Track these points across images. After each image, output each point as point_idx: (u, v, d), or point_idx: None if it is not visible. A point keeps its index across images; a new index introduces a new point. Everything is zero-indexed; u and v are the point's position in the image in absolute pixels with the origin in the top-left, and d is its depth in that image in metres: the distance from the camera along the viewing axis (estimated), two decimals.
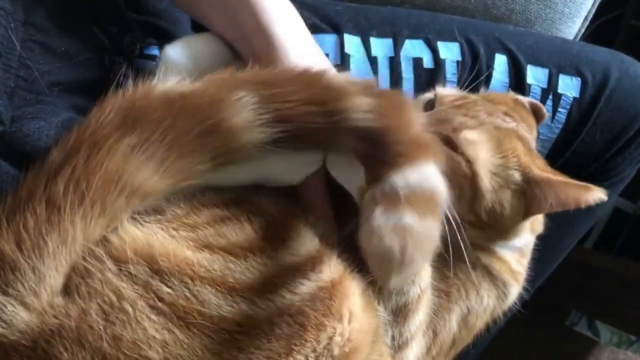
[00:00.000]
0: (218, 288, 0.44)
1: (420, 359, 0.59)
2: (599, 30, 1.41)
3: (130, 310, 0.42)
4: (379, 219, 0.43)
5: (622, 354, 1.51)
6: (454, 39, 0.80)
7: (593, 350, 1.47)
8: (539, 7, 1.02)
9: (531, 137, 0.67)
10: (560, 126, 0.81)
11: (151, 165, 0.46)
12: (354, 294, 0.49)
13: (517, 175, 0.60)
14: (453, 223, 0.53)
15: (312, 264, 0.48)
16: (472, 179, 0.59)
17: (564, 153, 0.82)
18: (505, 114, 0.65)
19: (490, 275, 0.63)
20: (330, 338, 0.45)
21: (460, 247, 0.57)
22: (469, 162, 0.59)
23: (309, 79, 0.49)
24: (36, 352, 0.41)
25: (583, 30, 1.09)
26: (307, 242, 0.50)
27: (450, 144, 0.60)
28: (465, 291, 0.61)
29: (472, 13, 1.01)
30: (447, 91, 0.69)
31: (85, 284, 0.44)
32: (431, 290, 0.59)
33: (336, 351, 0.45)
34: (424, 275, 0.56)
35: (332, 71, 0.54)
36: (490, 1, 1.01)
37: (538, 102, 0.75)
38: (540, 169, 0.61)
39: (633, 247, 1.65)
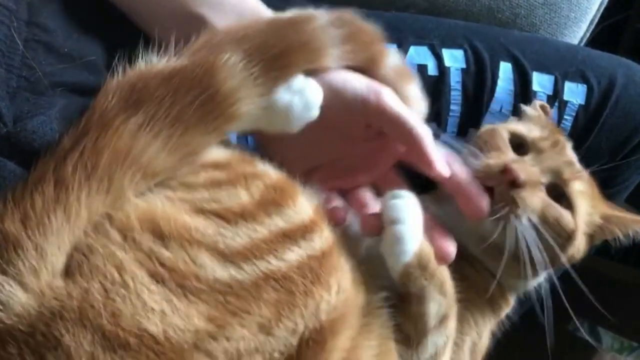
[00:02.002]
0: (211, 253, 0.46)
1: None
2: (604, 33, 1.40)
3: (130, 283, 0.43)
4: None
5: None
6: (458, 46, 0.79)
7: (594, 356, 1.47)
8: (544, 11, 1.01)
9: None
10: (566, 133, 0.80)
11: (158, 141, 0.48)
12: (343, 269, 0.51)
13: (597, 220, 0.63)
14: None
15: (304, 232, 0.50)
16: (573, 230, 0.60)
17: None
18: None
19: (494, 304, 0.64)
20: (318, 305, 0.47)
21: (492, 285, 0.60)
22: (574, 214, 0.60)
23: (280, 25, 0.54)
24: (34, 337, 0.41)
25: (588, 34, 1.08)
26: (302, 210, 0.51)
27: (554, 192, 0.61)
28: (474, 321, 0.63)
29: (476, 17, 1.00)
30: (527, 128, 0.67)
31: (87, 262, 0.44)
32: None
33: (323, 317, 0.46)
34: (450, 326, 0.57)
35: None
36: (495, 5, 1.00)
37: (545, 104, 0.75)
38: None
39: (635, 253, 1.64)
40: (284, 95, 0.55)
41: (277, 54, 0.52)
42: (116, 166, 0.46)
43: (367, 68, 0.60)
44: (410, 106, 0.61)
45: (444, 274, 0.56)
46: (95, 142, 0.46)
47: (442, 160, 0.59)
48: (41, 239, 0.44)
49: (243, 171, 0.52)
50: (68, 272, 0.44)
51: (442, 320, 0.56)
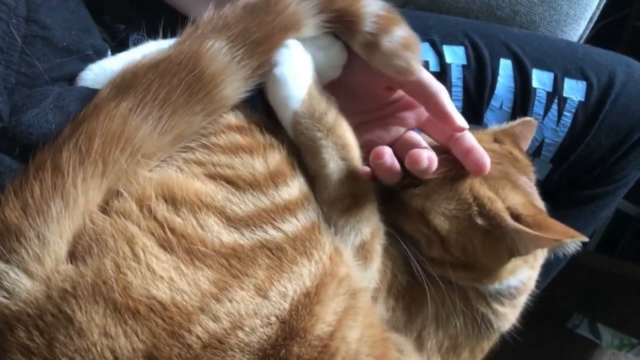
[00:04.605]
0: (219, 217, 0.49)
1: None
2: (603, 31, 1.40)
3: (141, 254, 0.45)
4: None
5: (624, 357, 1.51)
6: (459, 42, 0.79)
7: (594, 353, 1.47)
8: (544, 8, 1.01)
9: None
10: (566, 130, 0.80)
11: (149, 123, 0.50)
12: (327, 243, 0.53)
13: (479, 220, 0.59)
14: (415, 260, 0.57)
15: (304, 204, 0.52)
16: (428, 226, 0.59)
17: (569, 157, 0.81)
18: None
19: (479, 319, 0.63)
20: (301, 272, 0.49)
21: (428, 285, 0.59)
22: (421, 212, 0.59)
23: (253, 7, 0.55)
24: (44, 319, 0.42)
25: (588, 31, 1.08)
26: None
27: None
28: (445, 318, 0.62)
29: (476, 14, 1.01)
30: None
31: (97, 243, 0.45)
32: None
33: (308, 283, 0.49)
34: (368, 218, 0.57)
35: None
36: (495, 2, 1.00)
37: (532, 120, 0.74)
38: (522, 209, 0.58)
39: (635, 250, 1.65)
40: (310, 50, 0.57)
41: (258, 39, 0.54)
42: (110, 149, 0.48)
43: (348, 30, 0.60)
44: (405, 47, 0.61)
45: (348, 137, 0.56)
46: (88, 129, 0.48)
47: (459, 114, 0.60)
48: (42, 227, 0.44)
49: (265, 140, 0.54)
50: (75, 257, 0.45)
51: (354, 202, 0.55)
